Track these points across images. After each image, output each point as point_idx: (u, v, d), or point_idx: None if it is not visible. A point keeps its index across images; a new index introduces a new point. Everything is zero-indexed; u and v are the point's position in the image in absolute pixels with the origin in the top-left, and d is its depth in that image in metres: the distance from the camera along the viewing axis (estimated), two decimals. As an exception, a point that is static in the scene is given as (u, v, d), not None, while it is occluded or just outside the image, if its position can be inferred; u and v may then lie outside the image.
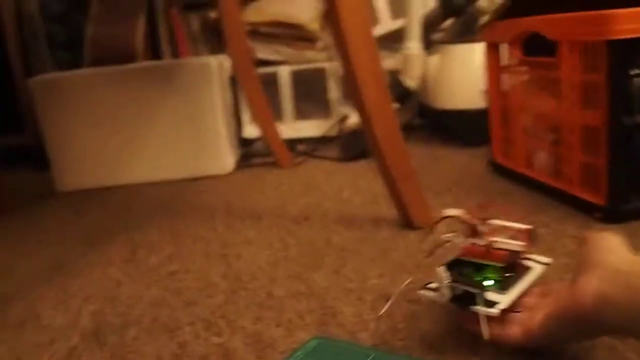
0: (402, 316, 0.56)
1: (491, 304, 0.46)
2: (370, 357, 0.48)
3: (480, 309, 0.46)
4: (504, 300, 0.47)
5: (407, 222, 0.80)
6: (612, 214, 0.74)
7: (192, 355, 0.53)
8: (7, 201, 1.24)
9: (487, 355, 0.48)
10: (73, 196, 1.22)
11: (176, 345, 0.55)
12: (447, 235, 0.53)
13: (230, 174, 1.27)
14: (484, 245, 0.52)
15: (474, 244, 0.52)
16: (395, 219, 0.82)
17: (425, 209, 0.80)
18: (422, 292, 0.51)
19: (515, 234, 0.53)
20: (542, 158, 0.90)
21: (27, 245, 0.92)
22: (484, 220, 0.53)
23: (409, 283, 0.53)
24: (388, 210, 0.86)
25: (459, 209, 0.53)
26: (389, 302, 0.54)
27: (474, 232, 0.53)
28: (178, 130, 1.25)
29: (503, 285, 0.48)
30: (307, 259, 0.73)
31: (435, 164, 1.15)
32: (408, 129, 1.32)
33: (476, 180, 1.01)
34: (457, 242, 0.53)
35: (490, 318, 0.46)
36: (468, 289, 0.47)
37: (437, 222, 0.54)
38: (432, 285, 0.50)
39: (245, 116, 1.43)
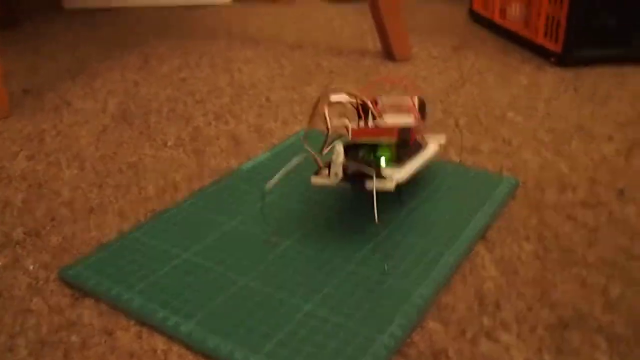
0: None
1: (386, 180, 0.44)
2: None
3: (375, 184, 0.43)
4: (397, 175, 0.45)
5: (389, 54, 0.92)
6: (564, 59, 0.86)
7: (206, 136, 0.67)
8: (18, 15, 1.30)
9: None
10: (80, 14, 1.29)
11: (192, 129, 0.69)
12: (337, 122, 0.49)
13: (229, 5, 1.34)
14: (374, 125, 0.49)
15: (365, 125, 0.50)
16: (379, 51, 0.93)
17: (406, 44, 0.91)
18: (313, 179, 0.46)
19: (407, 108, 0.51)
20: (515, 9, 1.00)
21: (47, 50, 1.02)
22: (372, 99, 0.51)
23: (301, 160, 0.48)
24: (373, 44, 0.97)
25: (345, 93, 0.49)
26: (277, 177, 0.46)
27: (364, 113, 0.50)
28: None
29: (397, 161, 0.47)
30: (299, 77, 0.85)
31: (418, 8, 1.24)
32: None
33: (455, 26, 1.11)
34: (348, 126, 0.48)
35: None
36: (360, 168, 0.44)
37: (315, 107, 0.46)
38: (324, 171, 0.46)
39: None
